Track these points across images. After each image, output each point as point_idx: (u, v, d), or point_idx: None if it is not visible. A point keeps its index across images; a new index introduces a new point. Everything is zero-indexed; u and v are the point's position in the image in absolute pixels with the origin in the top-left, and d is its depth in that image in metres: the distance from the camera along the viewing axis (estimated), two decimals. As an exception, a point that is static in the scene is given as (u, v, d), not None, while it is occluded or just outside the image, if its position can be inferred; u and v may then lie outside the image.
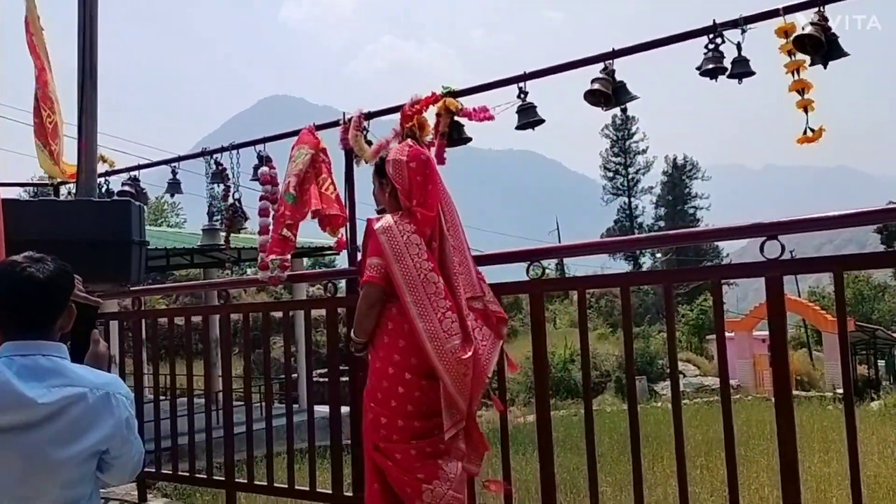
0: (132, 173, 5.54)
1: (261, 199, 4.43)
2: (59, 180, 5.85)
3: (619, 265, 47.59)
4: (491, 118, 3.69)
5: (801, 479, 2.81)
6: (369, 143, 3.97)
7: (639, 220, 51.87)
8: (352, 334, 3.20)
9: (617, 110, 4.08)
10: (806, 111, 3.10)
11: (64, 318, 1.98)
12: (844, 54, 3.02)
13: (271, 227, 4.26)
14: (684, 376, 25.12)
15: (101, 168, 5.15)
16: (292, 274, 4.33)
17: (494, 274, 3.46)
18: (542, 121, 3.71)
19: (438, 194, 3.18)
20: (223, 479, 4.47)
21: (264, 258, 4.12)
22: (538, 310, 3.46)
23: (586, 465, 3.31)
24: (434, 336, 2.90)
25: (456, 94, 3.78)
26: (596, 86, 3.47)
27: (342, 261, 4.51)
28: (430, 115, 3.84)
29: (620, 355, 24.86)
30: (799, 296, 32.95)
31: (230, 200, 4.95)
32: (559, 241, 30.42)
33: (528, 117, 3.69)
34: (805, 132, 3.13)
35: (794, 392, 3.05)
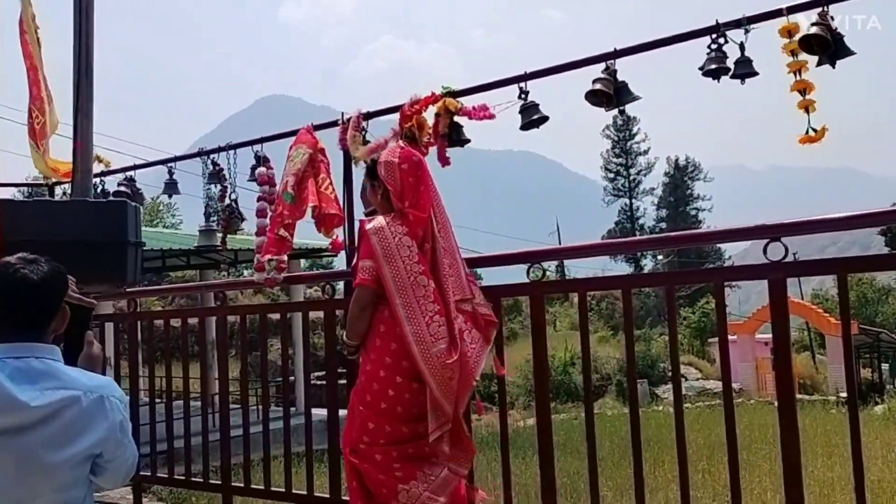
0: (128, 173, 5.55)
1: (258, 199, 4.43)
2: (53, 180, 5.85)
3: (620, 267, 47.60)
4: (491, 117, 3.69)
5: (804, 484, 2.81)
6: (367, 143, 3.97)
7: (640, 221, 51.85)
8: (344, 337, 3.23)
9: (617, 111, 4.05)
10: (808, 111, 3.11)
11: (58, 319, 1.98)
12: (851, 53, 3.03)
13: (268, 228, 4.26)
14: (686, 380, 25.12)
15: (97, 168, 5.16)
16: (289, 275, 4.33)
17: (494, 276, 3.47)
18: (546, 118, 3.71)
19: (430, 195, 3.21)
20: (219, 482, 4.47)
21: (260, 259, 4.12)
22: (539, 312, 3.46)
23: (587, 469, 3.31)
24: (421, 339, 2.94)
25: (456, 94, 3.79)
26: (598, 86, 3.47)
27: (340, 262, 4.52)
28: (430, 115, 3.85)
29: (621, 358, 24.87)
30: (802, 298, 32.94)
31: (227, 201, 4.95)
32: (559, 243, 30.43)
33: (531, 116, 3.69)
34: (807, 132, 3.14)
35: (797, 395, 3.05)
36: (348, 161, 4.06)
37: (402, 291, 2.99)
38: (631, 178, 52.28)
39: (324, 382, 4.27)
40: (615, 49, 3.51)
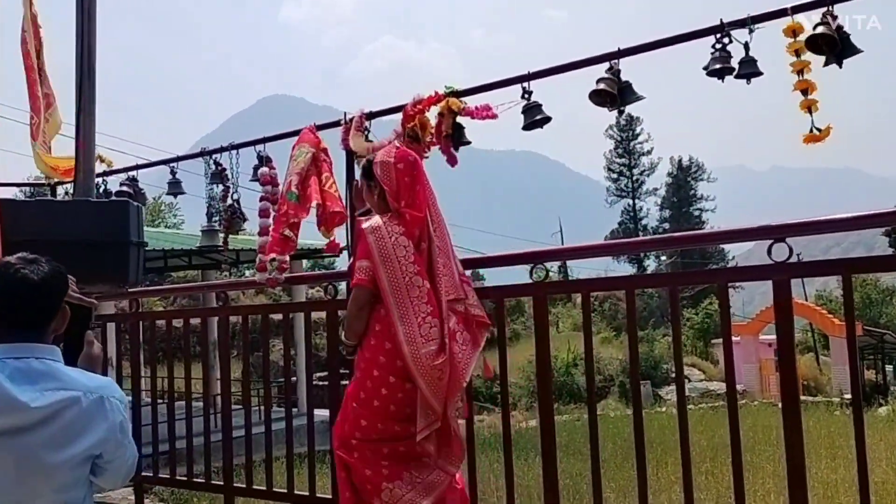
0: (130, 173, 5.55)
1: (261, 199, 4.43)
2: (55, 180, 5.86)
3: (623, 268, 47.56)
4: (494, 117, 3.69)
5: (807, 485, 2.81)
6: (370, 142, 3.97)
7: (643, 222, 51.82)
8: (342, 336, 3.26)
9: (619, 111, 4.04)
10: (810, 111, 3.11)
11: (58, 319, 1.98)
12: (858, 51, 3.02)
13: (271, 228, 4.26)
14: (689, 381, 25.09)
15: (99, 168, 5.16)
16: (291, 276, 4.33)
17: (497, 276, 3.47)
18: (549, 119, 3.70)
19: (426, 195, 3.23)
20: (221, 483, 4.47)
21: (263, 259, 4.12)
22: (542, 313, 3.46)
23: (590, 470, 3.31)
24: (411, 340, 2.97)
25: (459, 94, 3.78)
26: (601, 86, 3.47)
27: (342, 263, 4.52)
28: (432, 115, 3.85)
29: (624, 359, 24.87)
30: (806, 299, 32.91)
31: (229, 201, 4.95)
32: (562, 244, 30.40)
33: (534, 116, 3.68)
34: (811, 131, 3.13)
35: (801, 397, 3.05)
36: (351, 161, 4.06)
37: (396, 292, 3.02)
38: (634, 178, 52.26)
39: (326, 383, 4.27)
40: (619, 49, 3.51)
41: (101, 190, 5.44)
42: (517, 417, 17.12)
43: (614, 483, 7.42)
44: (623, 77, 3.49)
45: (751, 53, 3.23)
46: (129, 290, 4.64)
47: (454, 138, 3.79)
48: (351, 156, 4.03)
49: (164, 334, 4.87)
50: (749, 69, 3.21)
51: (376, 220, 3.14)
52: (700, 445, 9.75)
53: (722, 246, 46.37)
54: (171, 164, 5.29)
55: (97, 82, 4.31)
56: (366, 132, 4.03)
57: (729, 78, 3.29)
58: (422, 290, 3.04)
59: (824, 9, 3.05)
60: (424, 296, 3.04)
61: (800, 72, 3.11)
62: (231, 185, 4.92)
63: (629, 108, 3.62)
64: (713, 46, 3.27)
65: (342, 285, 4.60)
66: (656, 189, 53.18)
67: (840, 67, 3.05)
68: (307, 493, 4.05)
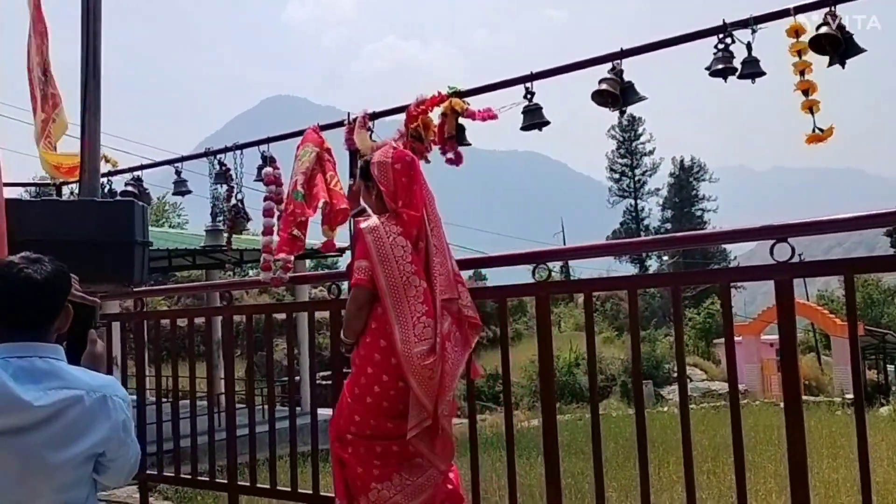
0: (135, 173, 5.56)
1: (265, 199, 4.43)
2: (60, 180, 5.87)
3: (625, 268, 47.53)
4: (494, 117, 3.69)
5: (809, 485, 2.81)
6: (374, 143, 3.98)
7: (645, 222, 51.76)
8: (341, 335, 3.29)
9: (621, 111, 4.04)
10: (812, 112, 3.10)
11: (61, 318, 1.98)
12: (862, 50, 3.02)
13: (276, 228, 4.27)
14: (691, 381, 25.06)
15: (104, 168, 5.17)
16: (295, 275, 4.34)
17: (500, 276, 3.48)
18: (548, 122, 3.71)
19: (423, 195, 3.25)
20: (225, 481, 4.47)
21: (268, 258, 4.13)
22: (544, 312, 3.46)
23: (592, 469, 3.31)
24: (405, 340, 3.00)
25: (462, 95, 3.79)
26: (604, 86, 3.47)
27: (345, 263, 4.52)
28: (435, 115, 3.85)
29: (626, 359, 24.85)
30: (808, 300, 32.87)
31: (233, 201, 4.96)
32: (564, 244, 30.38)
33: (534, 118, 3.69)
34: (814, 131, 3.13)
35: (803, 397, 3.05)
36: (354, 161, 4.06)
37: (393, 292, 3.05)
38: (636, 178, 52.20)
39: (329, 382, 4.27)
40: (622, 49, 3.51)
41: (106, 190, 5.45)
42: (519, 417, 17.10)
43: (616, 482, 7.41)
44: (625, 77, 3.50)
45: (753, 53, 3.23)
46: (134, 289, 4.64)
47: (456, 139, 3.79)
48: (354, 155, 4.04)
49: (168, 333, 4.88)
50: (752, 69, 3.21)
51: (374, 220, 3.16)
52: (702, 445, 9.74)
53: (724, 246, 46.33)
54: (176, 165, 5.30)
55: (102, 82, 4.32)
56: (370, 132, 4.04)
57: (730, 78, 3.29)
58: (418, 289, 3.07)
59: (826, 9, 3.05)
60: (420, 295, 3.07)
61: (801, 72, 3.11)
62: (235, 185, 4.93)
63: (631, 109, 3.62)
64: (716, 47, 3.27)
65: (345, 285, 4.61)
66: (658, 189, 53.13)
67: (843, 67, 3.05)
68: (311, 492, 4.06)
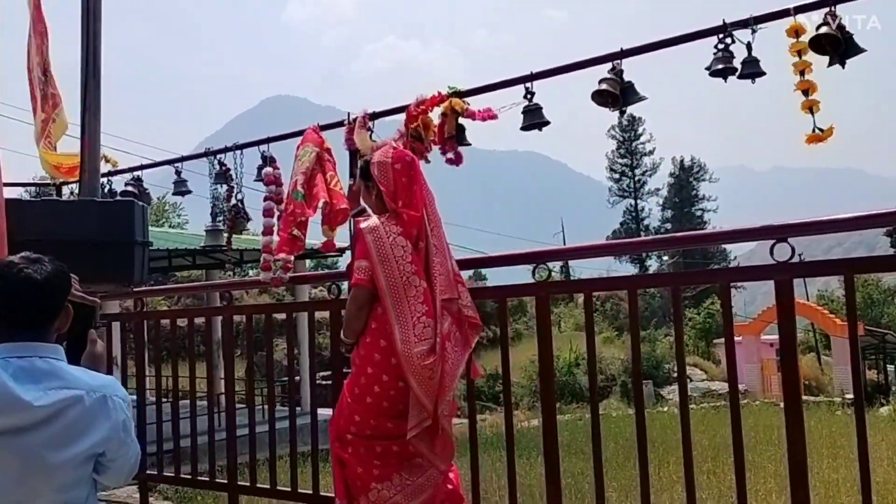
0: (135, 173, 5.56)
1: (265, 199, 4.43)
2: (60, 180, 5.87)
3: (625, 268, 47.53)
4: (494, 117, 3.69)
5: (809, 484, 2.81)
6: (374, 142, 3.98)
7: (645, 222, 51.76)
8: (341, 335, 3.29)
9: (621, 111, 4.04)
10: (812, 112, 3.10)
11: (61, 318, 1.98)
12: (861, 51, 3.02)
13: (276, 228, 4.27)
14: (691, 381, 25.05)
15: (104, 168, 5.17)
16: (295, 275, 4.34)
17: (499, 276, 3.48)
18: (548, 122, 3.71)
19: (423, 194, 3.25)
20: (225, 481, 4.47)
21: (268, 258, 4.13)
22: (544, 312, 3.46)
23: (592, 469, 3.31)
24: (405, 340, 3.00)
25: (462, 95, 3.79)
26: (604, 86, 3.47)
27: (345, 263, 4.52)
28: (435, 115, 3.85)
29: (626, 359, 24.85)
30: (808, 300, 32.87)
31: (233, 201, 4.96)
32: (564, 244, 30.39)
33: (534, 119, 3.69)
34: (814, 131, 3.13)
35: (803, 397, 3.05)
36: (354, 161, 4.06)
37: (394, 291, 3.05)
38: (636, 178, 52.19)
39: (329, 382, 4.27)
40: (622, 49, 3.51)
41: (106, 190, 5.45)
42: (519, 417, 17.09)
43: (616, 482, 7.41)
44: (625, 77, 3.49)
45: (753, 53, 3.23)
46: (134, 289, 4.64)
47: (456, 139, 3.80)
48: (354, 155, 4.04)
49: (168, 333, 4.88)
50: (752, 69, 3.21)
51: (374, 220, 3.17)
52: (702, 445, 9.74)
53: (724, 246, 46.34)
54: (176, 165, 5.30)
55: (102, 82, 4.32)
56: (369, 133, 4.04)
57: (730, 78, 3.29)
58: (418, 289, 3.07)
59: (826, 9, 3.05)
60: (420, 295, 3.07)
61: (801, 72, 3.11)
62: (235, 185, 4.93)
63: (631, 109, 3.62)
64: (716, 47, 3.26)
65: (345, 285, 4.61)
66: (658, 189, 53.12)
67: (843, 67, 3.05)
68: (310, 492, 4.06)
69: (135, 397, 5.09)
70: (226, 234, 5.15)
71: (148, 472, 4.86)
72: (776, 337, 2.99)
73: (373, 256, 3.07)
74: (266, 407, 4.43)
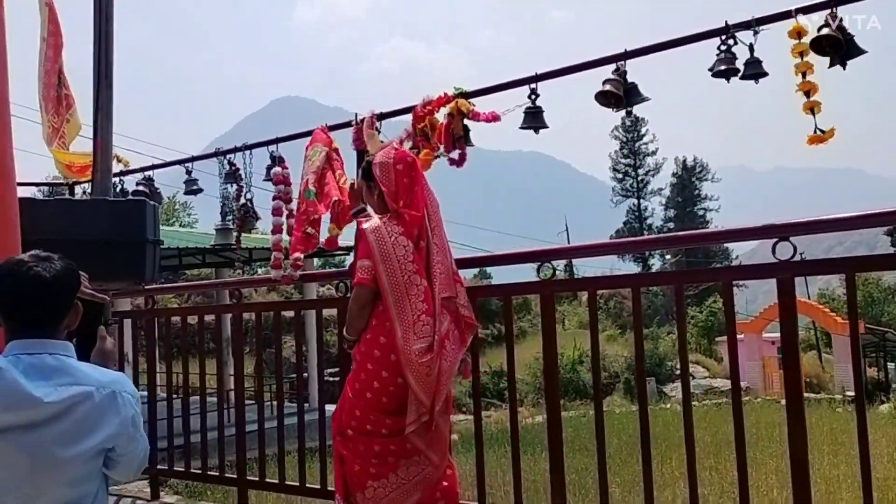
0: (146, 173, 5.57)
1: (273, 198, 4.44)
2: (73, 180, 5.88)
3: (628, 267, 47.47)
4: (498, 119, 3.70)
5: (811, 481, 2.80)
6: (382, 143, 3.99)
7: (648, 221, 51.67)
8: (344, 332, 3.30)
9: (625, 112, 4.05)
10: (813, 113, 3.09)
11: (70, 316, 1.98)
12: (862, 52, 3.01)
13: (285, 227, 4.28)
14: (693, 378, 25.00)
15: (116, 168, 5.18)
16: (303, 273, 4.34)
17: (504, 274, 3.48)
18: (546, 126, 3.72)
19: (424, 195, 3.25)
20: (235, 476, 4.48)
21: (279, 257, 4.15)
22: (549, 310, 3.45)
23: (596, 465, 3.30)
24: (405, 337, 3.01)
25: (467, 95, 3.79)
26: (607, 87, 3.46)
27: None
28: (441, 116, 3.85)
29: (629, 357, 24.82)
30: (809, 298, 32.77)
31: (242, 200, 4.97)
32: (568, 242, 30.34)
33: (534, 122, 3.71)
34: (815, 132, 3.12)
35: (804, 394, 3.04)
36: (361, 161, 4.07)
37: (395, 290, 3.06)
38: (639, 178, 52.10)
39: (337, 379, 4.27)
40: (625, 50, 3.50)
41: (118, 189, 5.46)
42: (524, 413, 17.10)
43: (620, 478, 7.41)
44: (629, 78, 3.49)
45: (755, 54, 3.23)
46: (145, 287, 4.66)
47: (457, 139, 3.80)
48: (362, 155, 4.04)
49: (178, 330, 4.89)
50: (754, 70, 3.20)
51: (376, 220, 3.18)
52: (704, 441, 9.73)
53: (726, 245, 46.26)
54: (186, 165, 5.31)
55: (115, 84, 4.33)
56: (378, 132, 4.05)
57: (732, 79, 3.29)
58: (419, 288, 3.08)
59: (827, 11, 3.04)
60: (421, 294, 3.08)
61: (803, 74, 3.10)
62: (244, 185, 4.94)
63: (634, 109, 3.61)
64: (718, 48, 3.26)
65: (353, 283, 4.62)
66: (661, 189, 53.02)
67: (844, 69, 3.04)
68: (319, 486, 4.06)
69: (146, 393, 5.10)
70: (235, 233, 5.16)
71: (159, 466, 4.87)
72: (777, 335, 2.99)
73: (375, 256, 3.08)
74: (275, 403, 4.44)
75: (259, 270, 23.32)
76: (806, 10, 3.07)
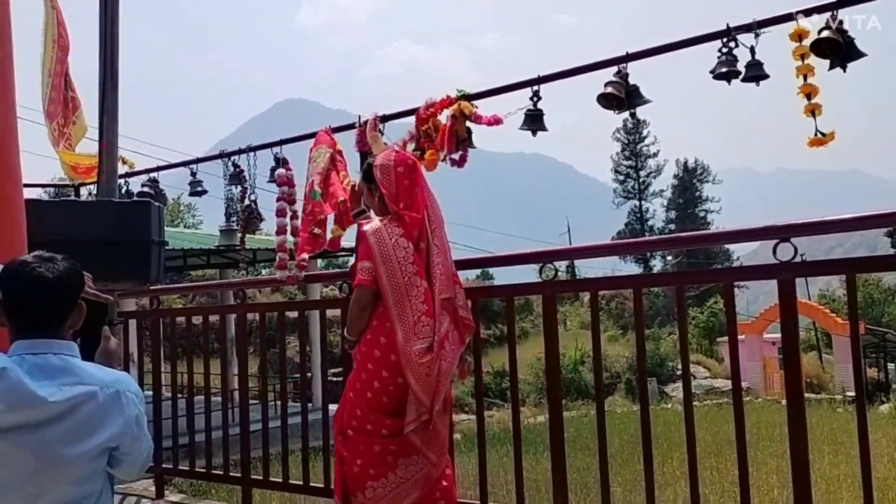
0: (151, 175, 5.58)
1: (277, 200, 4.45)
2: (78, 181, 5.89)
3: (630, 268, 47.44)
4: (500, 122, 3.70)
5: (811, 480, 2.79)
6: (386, 144, 3.99)
7: (649, 223, 51.63)
8: (345, 332, 3.30)
9: (628, 114, 4.04)
10: (814, 115, 3.09)
11: (74, 316, 1.98)
12: (862, 55, 3.00)
13: (289, 228, 4.28)
14: (694, 378, 24.98)
15: (121, 169, 5.19)
16: (308, 274, 4.35)
17: (506, 275, 3.49)
18: (545, 129, 3.72)
19: (424, 197, 3.27)
20: (239, 475, 4.48)
21: (283, 257, 4.15)
22: (551, 311, 3.45)
23: (598, 465, 3.30)
24: (406, 338, 3.03)
25: (470, 98, 3.79)
26: (609, 89, 3.46)
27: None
28: (443, 118, 3.85)
29: (630, 357, 24.78)
30: (809, 299, 32.71)
31: (246, 202, 4.97)
32: (570, 244, 30.33)
33: (534, 124, 3.71)
34: (816, 135, 3.11)
35: (805, 394, 3.03)
36: (364, 162, 4.07)
37: (396, 291, 3.07)
38: (640, 180, 52.08)
39: (340, 379, 4.27)
40: (627, 53, 3.50)
41: (123, 191, 5.47)
42: (526, 413, 17.07)
43: (621, 477, 7.39)
44: (631, 80, 3.49)
45: (756, 56, 3.22)
46: (151, 287, 4.66)
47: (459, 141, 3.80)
48: (365, 157, 4.04)
49: (183, 331, 4.89)
50: (755, 72, 3.20)
51: (376, 222, 3.20)
52: (705, 441, 9.70)
53: (727, 246, 46.18)
54: (191, 166, 5.31)
55: (120, 86, 4.33)
56: (381, 134, 4.06)
57: (733, 80, 3.28)
58: (419, 289, 3.10)
59: (828, 14, 3.03)
60: (422, 295, 3.10)
61: (804, 76, 3.09)
62: (248, 187, 4.94)
63: (636, 111, 3.61)
64: (720, 50, 3.26)
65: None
66: (662, 191, 52.99)
67: (844, 71, 3.03)
68: (322, 485, 4.07)
69: (151, 393, 5.10)
70: (239, 234, 5.16)
71: (164, 465, 4.87)
72: (778, 335, 2.98)
73: (376, 257, 3.09)
74: (279, 403, 4.44)
75: (263, 271, 23.31)
76: (807, 12, 3.06)
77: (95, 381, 1.89)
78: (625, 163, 52.74)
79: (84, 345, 2.05)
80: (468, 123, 3.77)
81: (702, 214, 52.20)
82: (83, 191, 6.26)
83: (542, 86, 3.70)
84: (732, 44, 3.22)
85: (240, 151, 4.90)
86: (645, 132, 52.38)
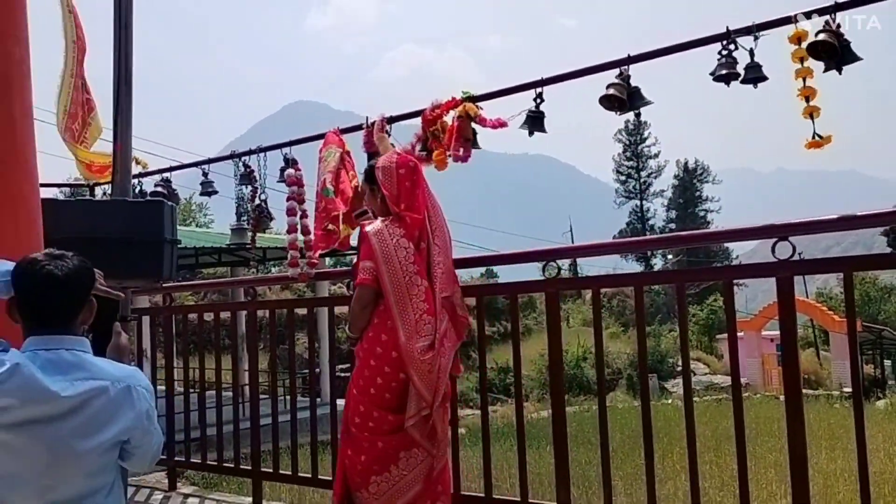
0: (164, 175, 5.59)
1: (287, 199, 4.45)
2: (93, 181, 5.90)
3: (631, 266, 47.35)
4: (504, 125, 3.70)
5: (808, 475, 2.79)
6: (393, 146, 3.99)
7: (650, 222, 51.55)
8: (347, 330, 3.31)
9: (630, 115, 4.03)
10: (812, 118, 3.07)
11: (85, 312, 1.98)
12: (858, 59, 2.99)
13: (299, 226, 4.28)
14: (694, 374, 24.94)
15: (135, 170, 5.20)
16: (319, 271, 4.36)
17: (510, 273, 3.49)
18: (545, 131, 3.72)
19: (425, 198, 3.28)
20: (249, 468, 4.49)
21: (295, 255, 4.16)
22: (554, 308, 3.45)
23: (599, 459, 3.30)
24: (408, 336, 3.04)
25: (475, 99, 3.79)
26: (611, 91, 3.46)
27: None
28: (449, 119, 3.85)
29: (632, 354, 24.76)
30: (807, 297, 32.62)
31: (257, 201, 4.98)
32: (573, 242, 30.29)
33: (534, 126, 3.72)
34: (814, 137, 3.10)
35: (803, 390, 3.02)
36: (371, 163, 4.07)
37: (397, 290, 3.08)
38: (641, 180, 52.01)
39: (348, 374, 4.28)
40: (628, 55, 3.49)
41: (136, 190, 5.48)
42: (529, 408, 17.06)
43: (622, 471, 7.39)
44: (632, 82, 3.48)
45: (755, 59, 3.21)
46: (163, 285, 4.67)
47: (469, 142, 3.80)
48: (373, 157, 4.04)
49: (195, 327, 4.90)
50: (754, 74, 3.19)
51: (378, 223, 3.21)
52: (704, 436, 9.69)
53: (726, 245, 46.10)
54: (203, 166, 5.32)
55: (134, 87, 4.33)
56: (388, 135, 4.06)
57: (733, 82, 3.27)
58: (420, 288, 3.11)
59: (827, 17, 3.02)
60: (423, 294, 3.11)
61: (803, 79, 3.08)
62: (259, 186, 4.94)
63: (638, 112, 3.60)
64: (719, 53, 3.25)
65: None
66: (663, 191, 52.90)
67: (840, 74, 3.02)
68: (330, 478, 4.06)
69: (164, 388, 5.11)
70: (250, 233, 5.17)
71: (176, 458, 4.89)
72: (777, 332, 2.97)
73: (377, 257, 3.10)
74: (288, 397, 4.44)
75: (273, 269, 23.38)
76: (807, 14, 3.05)
77: (107, 376, 1.89)
78: (626, 163, 52.67)
79: (96, 340, 2.06)
80: (473, 125, 3.77)
81: (702, 214, 52.09)
82: (98, 190, 6.27)
83: (545, 87, 3.69)
84: (732, 46, 3.21)
85: (250, 152, 4.91)
86: (646, 133, 52.32)
